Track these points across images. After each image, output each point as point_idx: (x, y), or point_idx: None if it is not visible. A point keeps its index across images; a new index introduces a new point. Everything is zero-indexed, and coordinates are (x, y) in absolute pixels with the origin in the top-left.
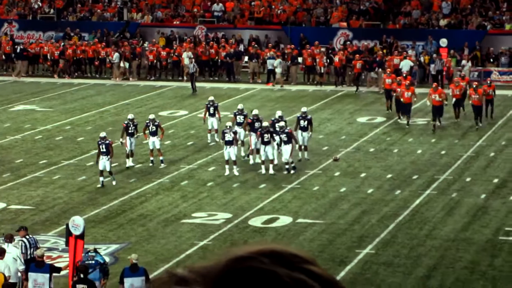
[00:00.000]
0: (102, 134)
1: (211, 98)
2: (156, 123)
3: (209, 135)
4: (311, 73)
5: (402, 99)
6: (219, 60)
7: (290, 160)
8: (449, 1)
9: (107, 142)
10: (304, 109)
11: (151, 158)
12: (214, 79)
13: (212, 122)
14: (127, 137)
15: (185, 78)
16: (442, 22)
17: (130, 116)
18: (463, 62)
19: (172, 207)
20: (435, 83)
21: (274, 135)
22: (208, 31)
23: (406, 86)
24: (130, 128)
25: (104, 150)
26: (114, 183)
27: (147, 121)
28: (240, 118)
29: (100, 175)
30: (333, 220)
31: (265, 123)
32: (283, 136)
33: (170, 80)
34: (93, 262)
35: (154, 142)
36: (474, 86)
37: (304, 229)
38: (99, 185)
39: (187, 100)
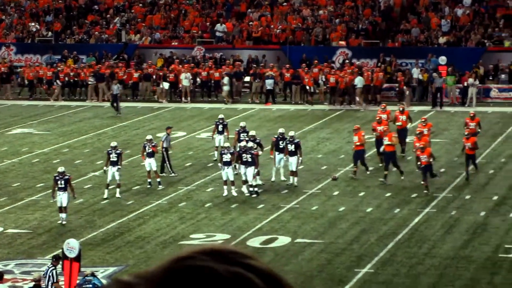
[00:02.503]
0: (61, 169)
1: (221, 116)
2: (153, 144)
3: (215, 152)
4: (305, 92)
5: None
6: (213, 81)
7: (253, 183)
8: (448, 19)
9: (66, 177)
10: (291, 133)
11: (149, 180)
12: (213, 100)
13: (220, 140)
14: (110, 166)
15: (183, 99)
16: (441, 40)
17: (113, 144)
18: (470, 80)
19: (170, 229)
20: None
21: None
22: (207, 51)
23: (384, 132)
24: (112, 156)
25: (63, 185)
26: (64, 222)
27: (144, 143)
28: (243, 136)
29: (59, 212)
30: (332, 240)
31: (243, 143)
32: (248, 157)
33: (168, 101)
34: (90, 285)
35: (150, 163)
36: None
37: (303, 249)
38: (61, 222)
39: (185, 121)
